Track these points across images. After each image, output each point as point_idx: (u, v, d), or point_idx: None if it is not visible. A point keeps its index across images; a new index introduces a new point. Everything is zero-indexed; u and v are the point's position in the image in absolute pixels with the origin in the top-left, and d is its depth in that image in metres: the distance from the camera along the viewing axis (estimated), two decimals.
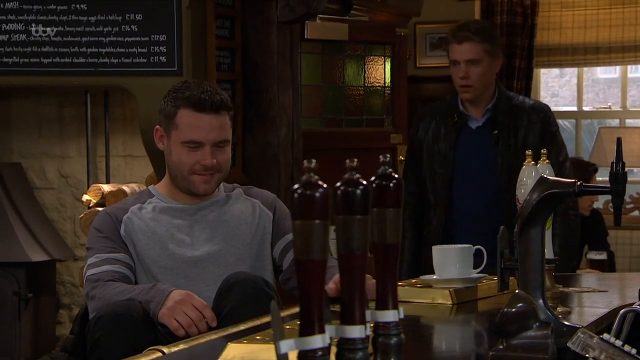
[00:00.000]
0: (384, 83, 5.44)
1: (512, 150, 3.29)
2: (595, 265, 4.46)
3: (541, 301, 1.83)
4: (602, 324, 2.07)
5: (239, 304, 2.16)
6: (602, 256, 4.49)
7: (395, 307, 1.43)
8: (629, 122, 6.86)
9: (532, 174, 2.18)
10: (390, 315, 1.43)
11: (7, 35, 3.90)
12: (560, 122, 7.56)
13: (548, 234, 2.06)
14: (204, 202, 2.43)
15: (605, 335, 1.61)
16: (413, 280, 2.44)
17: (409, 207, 3.39)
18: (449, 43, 3.36)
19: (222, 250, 2.38)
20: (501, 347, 1.63)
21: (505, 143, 3.32)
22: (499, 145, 3.32)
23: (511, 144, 3.31)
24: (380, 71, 5.43)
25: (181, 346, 1.85)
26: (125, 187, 3.92)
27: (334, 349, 1.32)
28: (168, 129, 2.39)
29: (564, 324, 1.82)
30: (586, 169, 4.88)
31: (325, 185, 1.26)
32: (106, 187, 3.95)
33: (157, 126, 2.42)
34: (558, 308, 2.10)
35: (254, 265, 2.41)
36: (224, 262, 2.36)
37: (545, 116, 3.40)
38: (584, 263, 4.74)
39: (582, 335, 1.61)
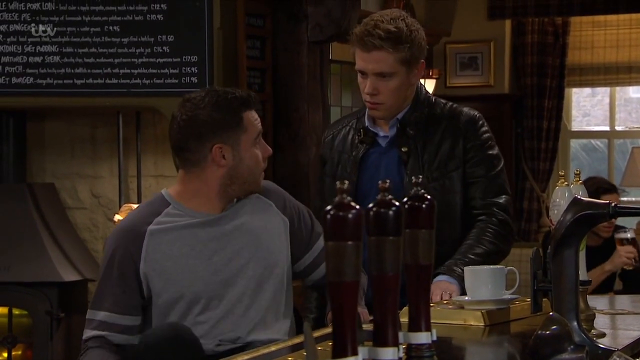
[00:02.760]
0: None
1: (425, 171, 2.61)
2: (626, 244, 4.41)
3: (575, 323, 1.81)
4: (638, 347, 2.04)
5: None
6: (631, 234, 4.44)
7: (428, 329, 1.43)
8: None
9: (565, 194, 2.16)
10: (423, 337, 1.42)
11: (42, 57, 3.95)
12: (592, 142, 7.54)
13: (582, 255, 2.03)
14: (224, 211, 2.34)
15: None
16: (445, 302, 2.42)
17: None
18: (353, 46, 2.61)
19: (249, 263, 2.32)
20: None
21: (416, 162, 2.63)
22: (407, 165, 2.63)
23: (424, 162, 2.63)
24: None
25: None
26: None
27: None
28: (235, 138, 2.30)
29: (599, 346, 1.80)
30: (596, 189, 4.39)
31: (357, 207, 1.26)
32: None
33: (216, 146, 2.29)
34: (592, 330, 2.08)
35: (277, 273, 2.35)
36: (253, 274, 2.31)
37: (469, 124, 2.66)
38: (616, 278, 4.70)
39: (617, 359, 1.59)
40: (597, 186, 4.56)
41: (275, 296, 2.35)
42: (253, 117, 2.33)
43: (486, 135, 2.68)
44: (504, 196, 2.69)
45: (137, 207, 2.45)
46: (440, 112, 2.69)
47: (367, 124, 2.70)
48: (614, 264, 4.48)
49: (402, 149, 2.64)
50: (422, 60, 2.62)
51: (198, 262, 2.29)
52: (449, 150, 2.65)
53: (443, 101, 2.74)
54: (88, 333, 2.31)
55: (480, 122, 2.69)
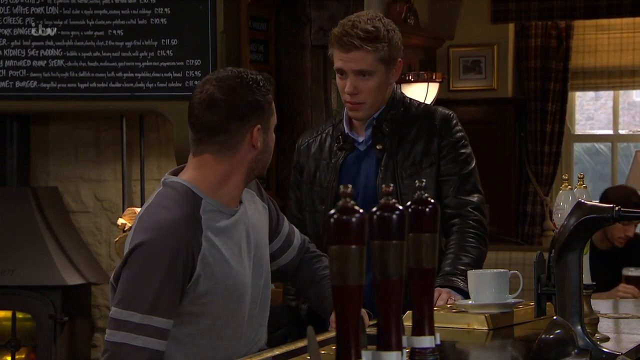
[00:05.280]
0: None
1: (398, 170, 2.62)
2: (631, 281, 4.40)
3: (579, 327, 1.81)
4: None
5: None
6: (638, 272, 4.43)
7: (432, 333, 1.43)
8: None
9: (569, 198, 2.16)
10: (426, 341, 1.42)
11: (45, 61, 3.96)
12: (596, 145, 7.53)
13: (586, 259, 2.03)
14: (241, 203, 2.23)
15: None
16: (448, 305, 2.42)
17: None
18: (331, 46, 2.63)
19: (261, 260, 2.27)
20: None
21: (390, 159, 2.63)
22: (381, 163, 2.64)
23: (398, 160, 2.63)
24: None
25: None
26: None
27: None
28: (267, 120, 2.19)
29: (603, 350, 1.80)
30: (626, 201, 4.23)
31: (361, 210, 1.26)
32: None
33: (257, 127, 2.15)
34: (596, 334, 2.08)
35: (269, 265, 2.30)
36: (262, 271, 2.27)
37: (444, 122, 2.68)
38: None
39: None
40: (627, 199, 4.48)
41: (271, 292, 2.31)
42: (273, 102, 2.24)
43: (460, 134, 2.70)
44: (476, 195, 2.69)
45: (167, 197, 2.16)
46: (415, 111, 2.70)
47: (346, 130, 2.69)
48: (611, 297, 4.48)
49: (377, 147, 2.65)
50: (400, 60, 2.64)
51: (236, 264, 2.18)
52: (424, 147, 2.65)
53: (417, 101, 2.77)
54: (145, 340, 2.04)
55: (455, 121, 2.71)
